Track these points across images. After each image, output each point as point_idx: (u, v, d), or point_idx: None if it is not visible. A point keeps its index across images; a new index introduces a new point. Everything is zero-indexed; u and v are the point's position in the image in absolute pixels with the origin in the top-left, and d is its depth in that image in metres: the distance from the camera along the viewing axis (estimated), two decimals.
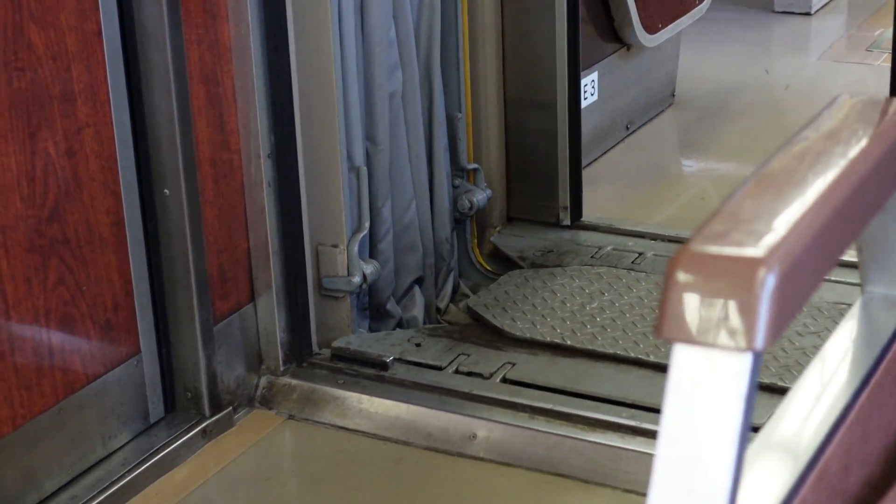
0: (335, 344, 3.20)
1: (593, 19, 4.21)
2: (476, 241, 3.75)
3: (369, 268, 3.25)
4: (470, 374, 3.09)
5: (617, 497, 2.74)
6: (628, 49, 4.43)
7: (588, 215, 3.85)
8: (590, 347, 3.14)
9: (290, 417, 3.07)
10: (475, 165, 3.66)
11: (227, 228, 3.00)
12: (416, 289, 3.47)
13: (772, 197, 1.03)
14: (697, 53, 5.35)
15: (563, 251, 3.66)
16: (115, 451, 2.86)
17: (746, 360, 0.93)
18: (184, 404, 2.98)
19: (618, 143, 4.53)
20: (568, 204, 3.80)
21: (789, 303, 0.95)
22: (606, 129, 4.44)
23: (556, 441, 2.86)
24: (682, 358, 0.95)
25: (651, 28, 4.39)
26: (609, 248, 3.65)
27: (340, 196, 3.15)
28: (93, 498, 2.74)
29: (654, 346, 3.09)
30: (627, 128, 4.59)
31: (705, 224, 1.00)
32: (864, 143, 1.14)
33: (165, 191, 2.83)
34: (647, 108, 4.71)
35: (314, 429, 3.03)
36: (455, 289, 3.62)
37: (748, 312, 0.92)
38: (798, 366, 2.98)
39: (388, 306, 3.39)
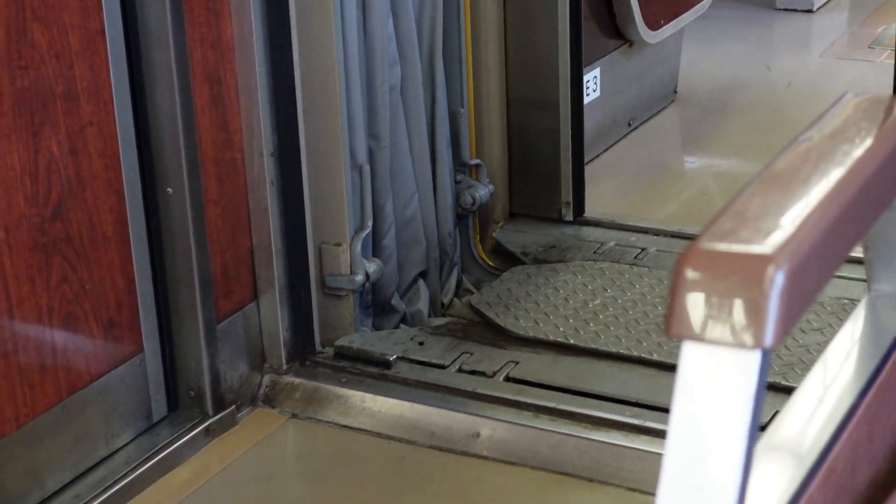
0: (338, 342, 3.19)
1: (595, 16, 4.21)
2: (478, 236, 3.74)
3: (372, 266, 3.24)
4: (473, 372, 3.09)
5: (620, 495, 2.74)
6: (630, 45, 4.43)
7: (590, 211, 3.84)
8: (593, 346, 3.13)
9: (294, 416, 3.07)
10: (478, 161, 3.66)
11: (231, 227, 3.00)
12: (421, 282, 3.47)
13: (779, 195, 1.03)
14: (699, 50, 5.35)
15: (566, 247, 3.66)
16: (118, 450, 2.86)
17: (755, 357, 0.93)
18: (187, 403, 2.98)
19: (620, 140, 4.53)
20: (570, 200, 3.80)
21: (798, 300, 0.94)
22: (608, 126, 4.44)
23: (559, 439, 2.86)
24: (691, 356, 0.95)
25: (653, 24, 4.39)
26: (611, 244, 3.65)
27: (343, 194, 3.15)
28: (96, 496, 2.74)
29: (657, 345, 3.09)
30: (629, 124, 4.59)
31: (713, 222, 0.99)
32: (870, 141, 1.14)
33: (168, 189, 2.83)
34: (649, 104, 4.71)
35: (317, 427, 3.03)
36: (458, 283, 3.62)
37: (757, 310, 0.92)
38: (802, 363, 2.98)
39: (393, 301, 3.38)
